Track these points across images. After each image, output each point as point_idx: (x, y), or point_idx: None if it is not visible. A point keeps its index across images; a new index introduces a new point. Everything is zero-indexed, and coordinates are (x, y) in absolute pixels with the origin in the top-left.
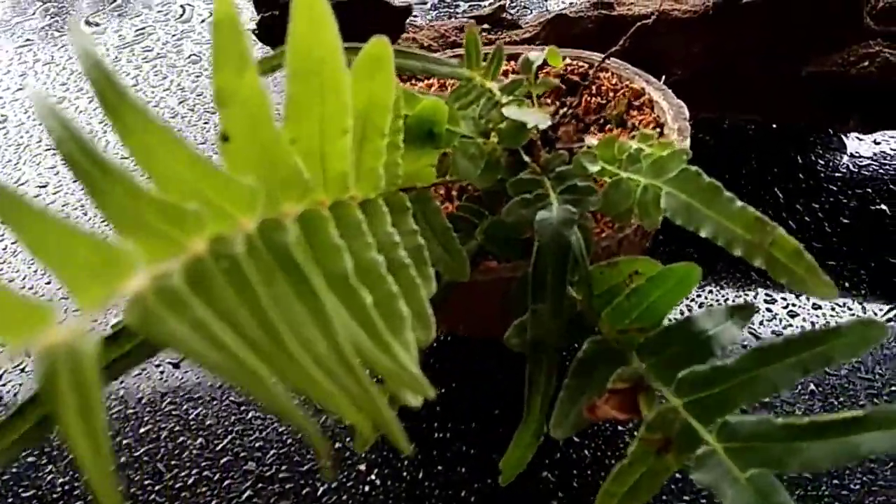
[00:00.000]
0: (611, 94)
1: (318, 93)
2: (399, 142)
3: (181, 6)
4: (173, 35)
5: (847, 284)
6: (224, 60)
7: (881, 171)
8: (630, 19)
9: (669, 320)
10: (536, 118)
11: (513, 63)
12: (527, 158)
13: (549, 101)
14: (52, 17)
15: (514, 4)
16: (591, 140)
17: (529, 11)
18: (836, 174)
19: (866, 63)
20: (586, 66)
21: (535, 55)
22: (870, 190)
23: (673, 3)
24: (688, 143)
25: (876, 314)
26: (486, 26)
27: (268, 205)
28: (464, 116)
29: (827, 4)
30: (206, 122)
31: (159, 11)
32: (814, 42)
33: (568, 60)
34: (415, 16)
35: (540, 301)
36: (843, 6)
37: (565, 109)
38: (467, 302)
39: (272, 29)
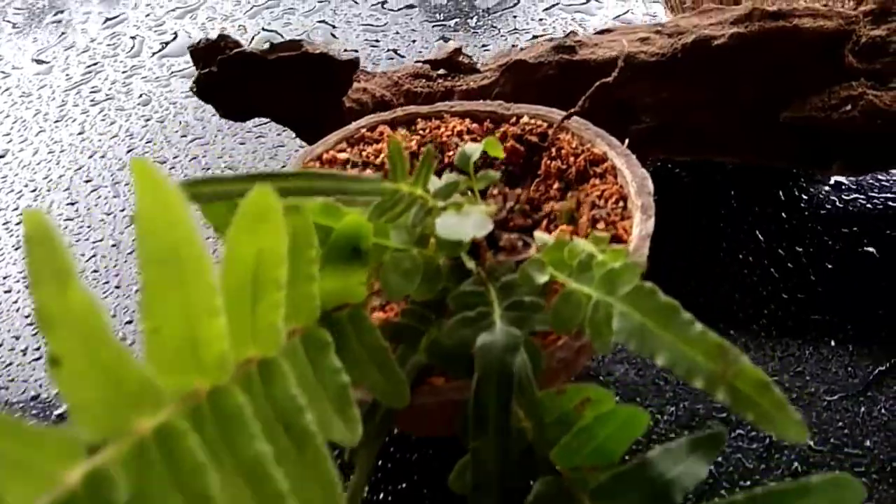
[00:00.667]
0: (571, 159)
1: (177, 278)
2: (314, 272)
3: (131, 38)
4: (123, 72)
5: (833, 343)
6: (41, 279)
7: (868, 205)
8: (594, 64)
9: (625, 459)
10: (474, 225)
11: (467, 121)
12: (471, 265)
13: (495, 191)
14: None
15: (477, 36)
16: (543, 236)
17: (499, 31)
18: (822, 210)
19: (849, 107)
20: (545, 125)
21: (473, 148)
22: (857, 229)
23: (639, 45)
24: (650, 227)
25: (864, 375)
26: (441, 71)
27: (113, 428)
28: (395, 226)
29: (805, 44)
30: None
31: (109, 45)
32: (791, 84)
33: (526, 119)
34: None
35: (481, 437)
36: (822, 45)
37: (513, 203)
38: (415, 423)
39: (210, 86)
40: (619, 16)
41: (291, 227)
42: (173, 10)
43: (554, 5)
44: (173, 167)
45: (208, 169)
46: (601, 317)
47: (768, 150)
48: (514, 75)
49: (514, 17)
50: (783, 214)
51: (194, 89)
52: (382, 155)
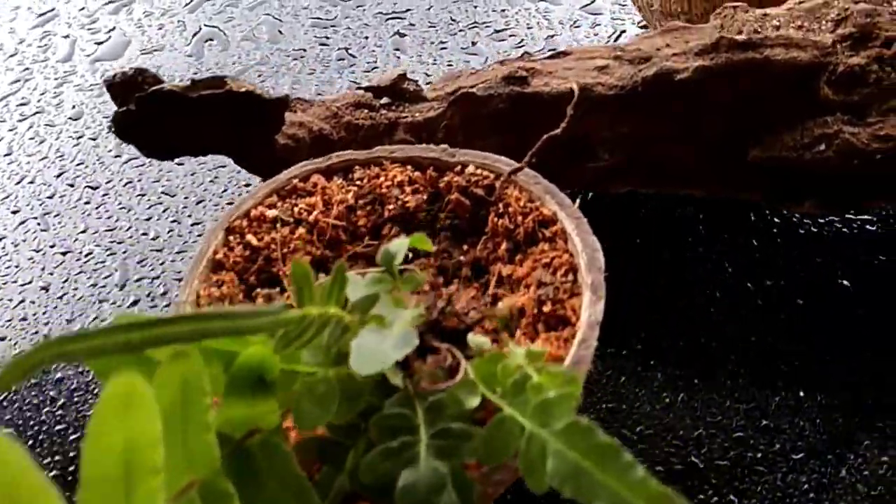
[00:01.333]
0: (519, 218)
1: None
2: (208, 420)
3: (63, 37)
4: (54, 79)
5: (802, 392)
6: None
7: (845, 228)
8: (547, 97)
9: None
10: (396, 345)
11: (409, 168)
12: (396, 380)
13: (426, 288)
14: None
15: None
16: (478, 339)
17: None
18: (795, 237)
19: (823, 146)
20: (492, 176)
21: (397, 245)
22: (831, 258)
23: (597, 74)
24: (600, 312)
25: (834, 431)
26: (385, 100)
27: None
28: (309, 348)
29: (777, 76)
30: (87, 202)
31: (39, 46)
32: (761, 119)
33: (471, 169)
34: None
35: None
36: (795, 78)
37: (444, 304)
38: None
39: (128, 125)
40: (585, 6)
41: (180, 376)
42: (108, 4)
43: None
44: (106, 194)
45: (143, 195)
46: (535, 453)
47: (737, 185)
48: (462, 108)
49: (475, 7)
50: (754, 242)
51: (112, 128)
52: (316, 211)
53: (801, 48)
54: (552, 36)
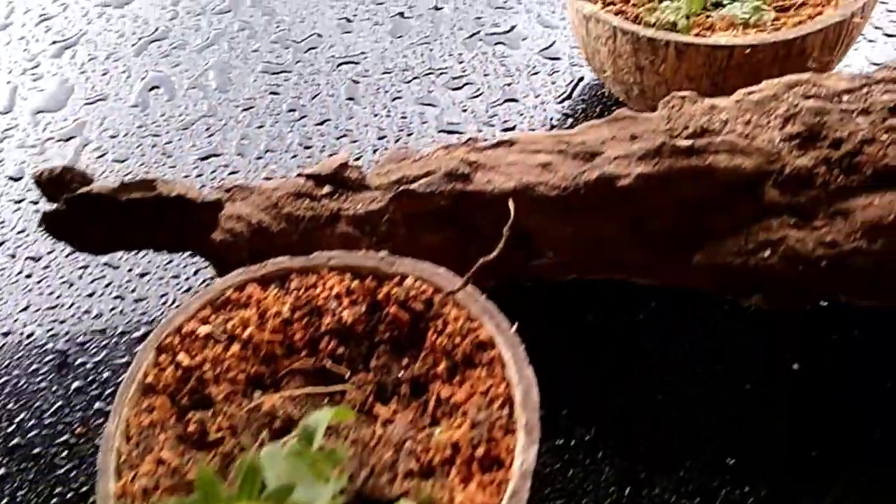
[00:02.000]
0: (457, 339)
1: None
2: None
3: (6, 83)
4: None
5: (752, 499)
6: None
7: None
8: (489, 196)
9: None
10: None
11: (347, 277)
12: None
13: (354, 435)
14: None
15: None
16: None
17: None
18: (744, 319)
19: (767, 253)
20: (431, 290)
21: (317, 419)
22: (782, 338)
23: (540, 172)
24: (533, 458)
25: None
26: (327, 188)
27: None
28: None
29: (721, 182)
30: (28, 275)
31: None
32: (705, 223)
33: (410, 281)
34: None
35: None
36: (740, 184)
37: (368, 472)
38: None
39: (59, 224)
40: (544, 49)
41: None
42: (51, 45)
43: (475, 34)
44: (48, 266)
45: (86, 267)
46: None
47: (685, 278)
48: (404, 205)
49: (431, 51)
50: (702, 326)
51: (42, 225)
52: (251, 327)
53: (746, 154)
54: (509, 84)
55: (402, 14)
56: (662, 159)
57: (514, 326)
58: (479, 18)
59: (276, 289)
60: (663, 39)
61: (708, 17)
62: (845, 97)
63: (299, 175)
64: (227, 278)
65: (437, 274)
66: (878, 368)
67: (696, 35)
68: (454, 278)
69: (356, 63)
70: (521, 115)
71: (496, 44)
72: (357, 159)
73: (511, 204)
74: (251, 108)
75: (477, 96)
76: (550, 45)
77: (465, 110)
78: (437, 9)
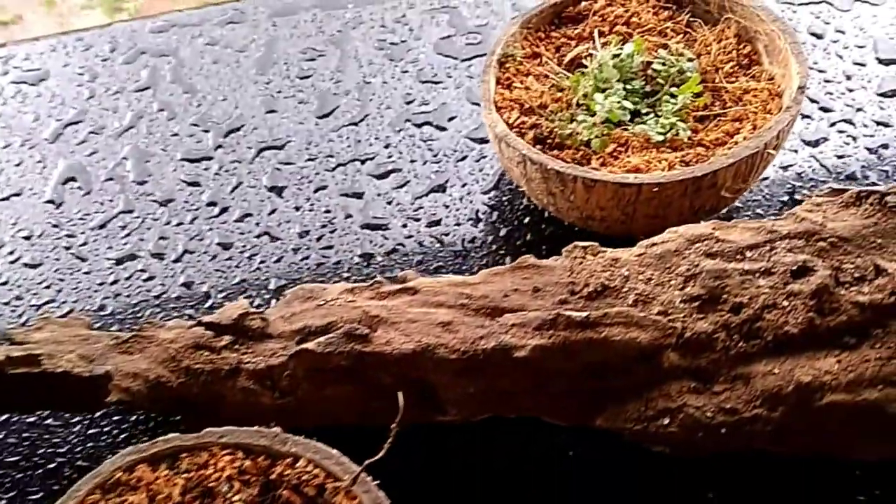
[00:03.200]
0: None
1: None
2: None
3: None
4: None
5: None
6: None
7: None
8: (389, 357)
9: None
10: None
11: (240, 455)
12: None
13: None
14: None
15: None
16: None
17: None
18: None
19: (667, 420)
20: (324, 475)
21: None
22: (700, 466)
23: (440, 332)
24: None
25: None
26: (227, 338)
27: None
28: None
29: (618, 354)
30: None
31: None
32: (605, 389)
33: (303, 463)
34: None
35: None
36: (637, 355)
37: None
38: None
39: None
40: (472, 130)
41: None
42: None
43: (403, 113)
44: None
45: None
46: None
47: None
48: (304, 363)
49: (357, 135)
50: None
51: None
52: None
53: (642, 327)
54: (436, 171)
55: (328, 90)
56: (557, 331)
57: None
58: (408, 94)
59: (167, 469)
60: (571, 174)
61: (625, 129)
62: (749, 253)
63: (198, 323)
64: (116, 459)
65: (330, 458)
66: (793, 495)
67: (613, 153)
68: (347, 463)
69: (279, 148)
70: (447, 207)
71: (424, 124)
72: (277, 261)
73: (400, 398)
74: (170, 201)
75: (403, 185)
76: (478, 127)
77: (390, 202)
78: (365, 83)
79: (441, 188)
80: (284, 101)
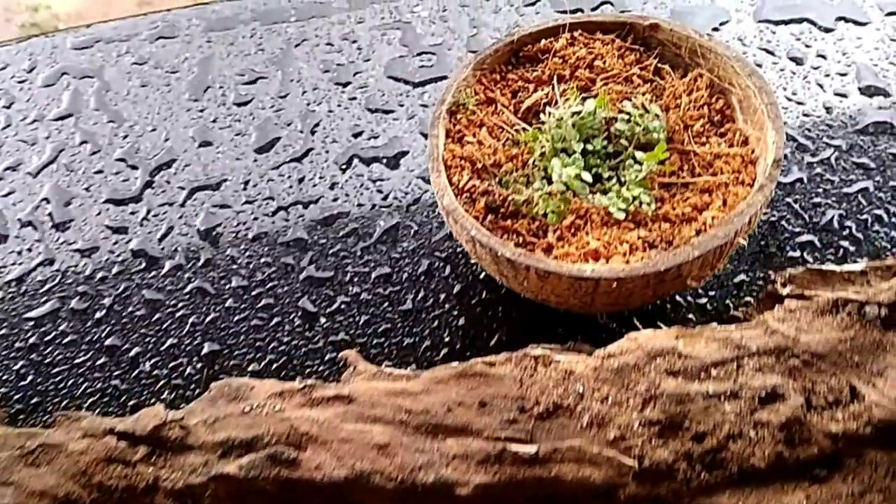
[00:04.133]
0: None
1: None
2: None
3: None
4: None
5: None
6: None
7: None
8: (319, 484)
9: None
10: None
11: None
12: None
13: None
14: None
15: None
16: None
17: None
18: None
19: None
20: None
21: None
22: None
23: (376, 457)
24: None
25: None
26: (143, 449)
27: None
28: None
29: (571, 490)
30: None
31: None
32: None
33: None
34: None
35: None
36: (591, 492)
37: None
38: None
39: None
40: (425, 170)
41: None
42: None
43: (350, 148)
44: None
45: None
46: None
47: None
48: (225, 485)
49: (300, 173)
50: None
51: None
52: None
53: (596, 465)
54: (388, 216)
55: (269, 120)
56: (504, 467)
57: None
58: (356, 125)
59: None
60: (523, 263)
61: (588, 197)
62: (714, 371)
63: (111, 432)
64: None
65: None
66: None
67: (571, 226)
68: None
69: (214, 189)
70: (398, 259)
71: (373, 161)
72: (211, 322)
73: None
74: (92, 254)
75: (350, 234)
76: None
77: (335, 253)
78: (309, 111)
79: (391, 237)
80: (220, 133)
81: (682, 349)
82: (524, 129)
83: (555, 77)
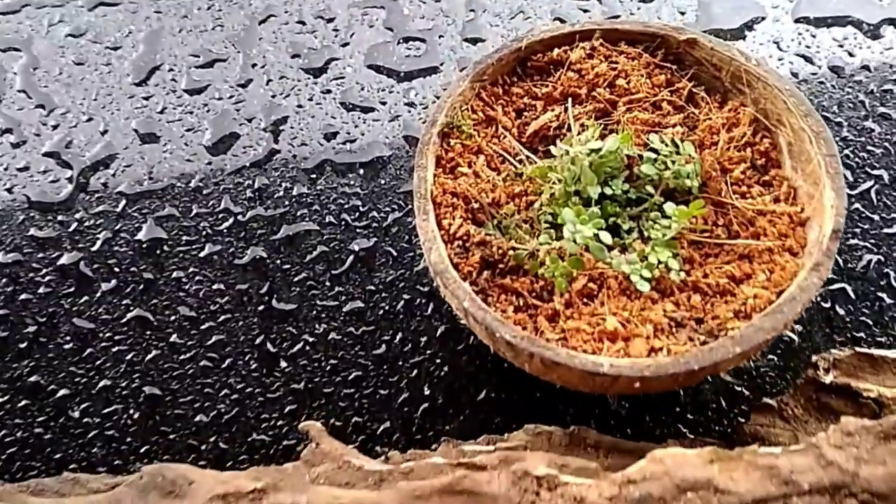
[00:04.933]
0: None
1: None
2: None
3: None
4: None
5: None
6: None
7: None
8: None
9: None
10: None
11: None
12: None
13: None
14: None
15: None
16: None
17: None
18: None
19: None
20: None
21: None
22: None
23: None
24: None
25: None
26: None
27: None
28: None
29: None
30: None
31: None
32: None
33: None
34: None
35: None
36: None
37: None
38: None
39: None
40: (403, 194)
41: None
42: None
43: (323, 163)
44: None
45: None
46: None
47: None
48: None
49: (261, 189)
50: None
51: None
52: None
53: None
54: (362, 240)
55: (227, 114)
56: None
57: None
58: (329, 125)
59: None
60: (526, 349)
61: (608, 255)
62: None
63: None
64: None
65: None
66: None
67: (583, 290)
68: None
69: (160, 196)
70: (373, 293)
71: (348, 171)
72: (152, 361)
73: None
74: (15, 265)
75: (318, 260)
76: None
77: (299, 282)
78: (274, 104)
79: (366, 265)
80: (168, 127)
81: (719, 480)
82: (529, 158)
83: (568, 96)
